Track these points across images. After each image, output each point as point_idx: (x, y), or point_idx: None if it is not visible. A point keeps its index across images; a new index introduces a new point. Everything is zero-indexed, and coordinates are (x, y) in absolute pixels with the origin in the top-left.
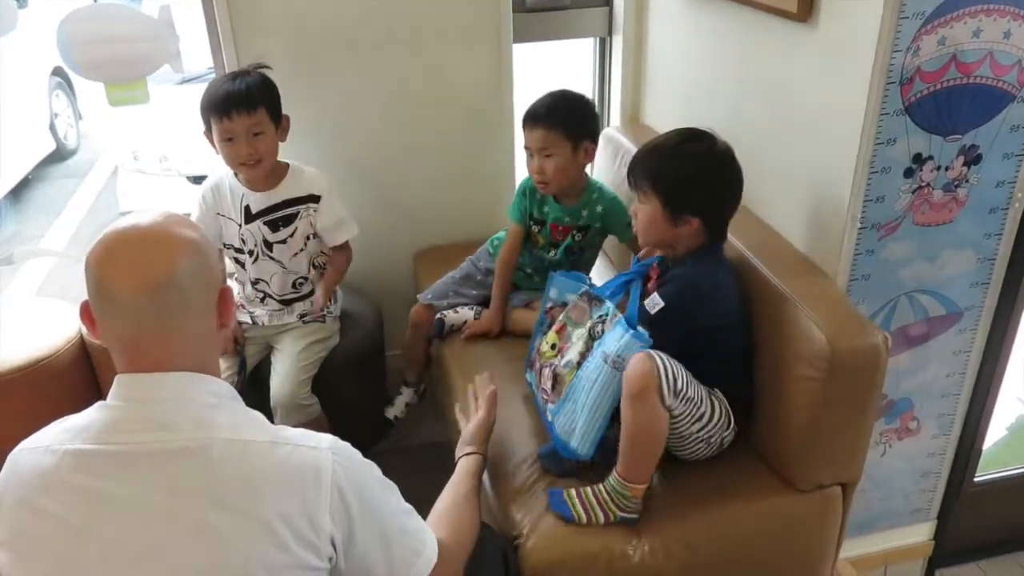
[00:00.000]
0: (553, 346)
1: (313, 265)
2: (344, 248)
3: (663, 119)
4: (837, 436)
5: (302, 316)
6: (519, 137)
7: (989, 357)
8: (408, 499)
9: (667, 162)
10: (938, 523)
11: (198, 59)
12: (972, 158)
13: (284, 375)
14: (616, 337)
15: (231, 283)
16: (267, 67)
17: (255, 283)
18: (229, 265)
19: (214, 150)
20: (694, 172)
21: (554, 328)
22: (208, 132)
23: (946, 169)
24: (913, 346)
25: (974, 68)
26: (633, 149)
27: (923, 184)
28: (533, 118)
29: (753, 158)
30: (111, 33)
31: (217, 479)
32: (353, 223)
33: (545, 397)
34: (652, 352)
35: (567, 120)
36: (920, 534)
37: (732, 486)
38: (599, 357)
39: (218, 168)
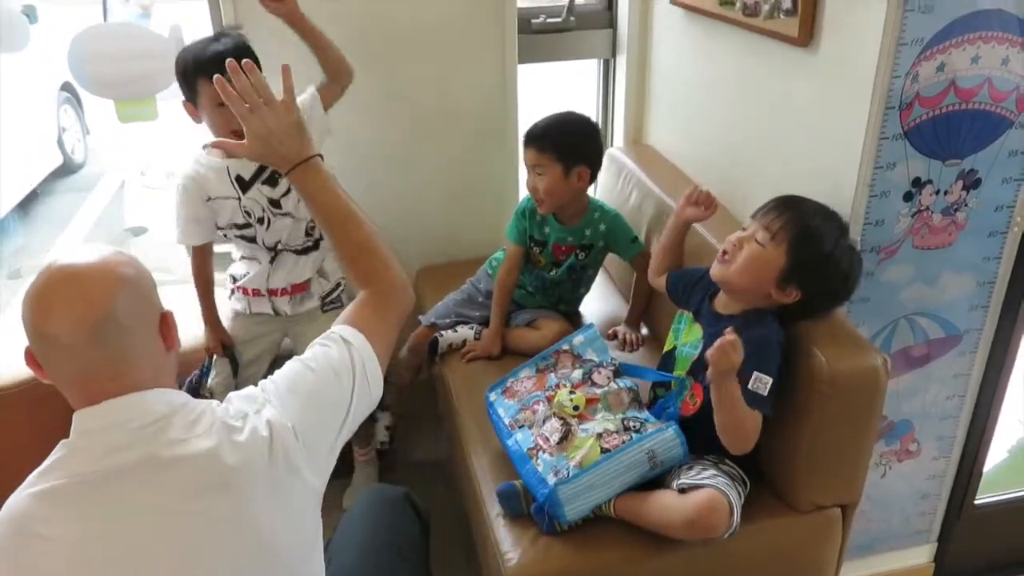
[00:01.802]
0: (576, 407)
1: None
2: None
3: (666, 140)
4: (837, 458)
5: (323, 299)
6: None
7: (989, 379)
8: None
9: (819, 231)
10: (938, 545)
11: None
12: (971, 182)
13: None
14: (666, 442)
15: (241, 265)
16: (240, 28)
17: (273, 248)
18: (235, 248)
19: (194, 120)
20: (834, 257)
21: (583, 391)
22: (189, 101)
23: (945, 193)
24: (913, 368)
25: (973, 94)
26: (636, 168)
27: (922, 208)
28: (529, 137)
29: (754, 180)
30: (122, 51)
31: (183, 476)
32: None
33: (542, 445)
34: (725, 491)
35: (560, 144)
36: (920, 556)
37: None
38: (643, 454)
39: (183, 161)
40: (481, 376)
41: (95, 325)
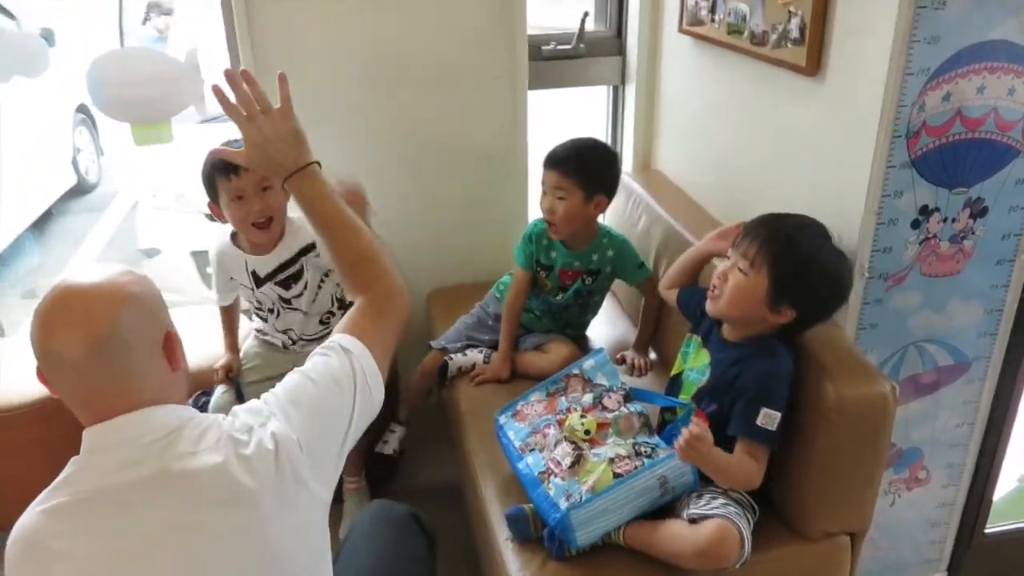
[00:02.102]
0: (587, 431)
1: (337, 301)
2: None
3: (675, 166)
4: (846, 484)
5: None
6: (532, 181)
7: (998, 407)
8: None
9: (794, 247)
10: (948, 574)
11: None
12: (978, 210)
13: None
14: (678, 468)
15: (257, 322)
16: None
17: (284, 332)
18: (257, 321)
19: (219, 222)
20: (816, 268)
21: (594, 416)
22: (213, 203)
23: (953, 221)
24: (922, 395)
25: (979, 123)
26: (644, 194)
27: (930, 235)
28: (553, 160)
29: (761, 207)
30: (139, 75)
31: (193, 489)
32: None
33: (553, 468)
34: (736, 521)
35: (584, 170)
36: None
37: None
38: (654, 479)
39: (215, 239)
40: (491, 399)
41: (96, 343)
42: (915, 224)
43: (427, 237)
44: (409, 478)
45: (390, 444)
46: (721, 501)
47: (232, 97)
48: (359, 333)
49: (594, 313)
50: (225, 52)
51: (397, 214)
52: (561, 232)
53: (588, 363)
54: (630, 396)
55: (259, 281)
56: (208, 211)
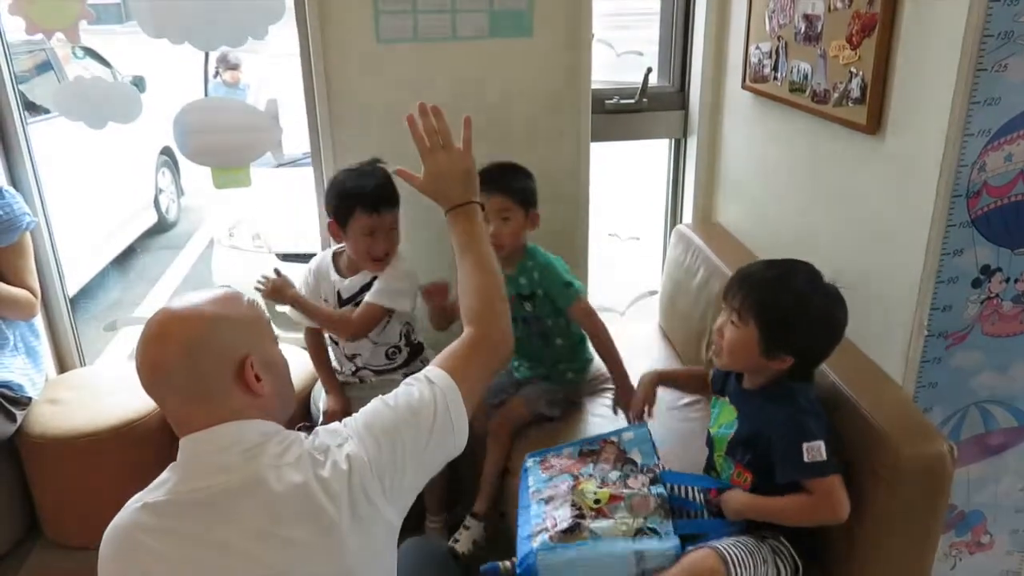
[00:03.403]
0: (597, 501)
1: (404, 336)
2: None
3: (735, 219)
4: (902, 545)
5: (405, 376)
6: (593, 230)
7: None
8: None
9: (777, 296)
10: None
11: (294, 143)
12: None
13: None
14: (662, 553)
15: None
16: (383, 162)
17: (351, 358)
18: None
19: (335, 240)
20: (801, 313)
21: (609, 488)
22: (336, 223)
23: (1015, 281)
24: (986, 457)
25: None
26: (704, 247)
27: (992, 295)
28: (495, 184)
29: (821, 263)
30: (223, 124)
31: (276, 502)
32: (404, 300)
33: (548, 527)
34: (723, 551)
35: (520, 188)
36: None
37: None
38: (631, 553)
39: (317, 256)
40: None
41: (174, 359)
42: (976, 283)
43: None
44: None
45: (462, 543)
46: (735, 540)
47: (421, 127)
48: (451, 369)
49: (568, 338)
50: (302, 103)
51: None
52: (505, 252)
53: (628, 435)
54: (658, 479)
55: (341, 302)
56: (328, 242)
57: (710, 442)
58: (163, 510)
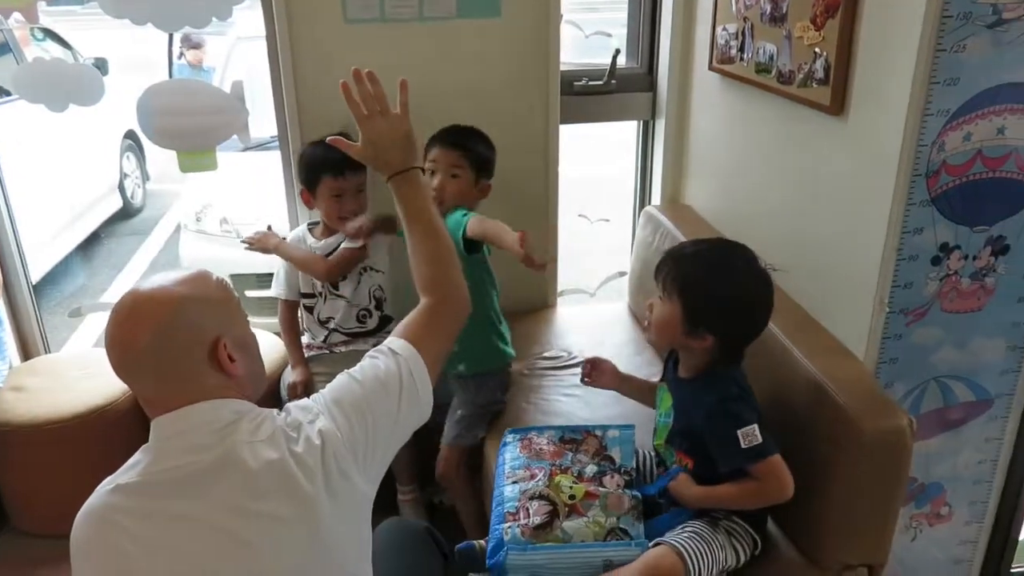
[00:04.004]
0: (572, 497)
1: (375, 300)
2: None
3: (703, 200)
4: (864, 516)
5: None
6: (563, 212)
7: (1021, 445)
8: None
9: (701, 274)
10: None
11: (261, 127)
12: (999, 248)
13: None
14: (630, 559)
15: (305, 336)
16: (351, 136)
17: (324, 322)
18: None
19: (307, 207)
20: (721, 290)
21: (585, 484)
22: (306, 191)
23: (973, 258)
24: (944, 431)
25: (999, 163)
26: (672, 228)
27: (951, 272)
28: (450, 139)
29: (786, 241)
30: (188, 106)
31: (251, 479)
32: (377, 249)
33: (521, 518)
34: (679, 547)
35: (479, 153)
36: None
37: (756, 564)
38: (600, 559)
39: (294, 230)
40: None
41: (148, 339)
42: (935, 261)
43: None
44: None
45: (446, 499)
46: (692, 532)
47: (356, 94)
48: (412, 338)
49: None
50: (269, 85)
51: None
52: (445, 209)
53: (613, 432)
54: (632, 483)
55: None
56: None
57: (655, 430)
58: (137, 491)
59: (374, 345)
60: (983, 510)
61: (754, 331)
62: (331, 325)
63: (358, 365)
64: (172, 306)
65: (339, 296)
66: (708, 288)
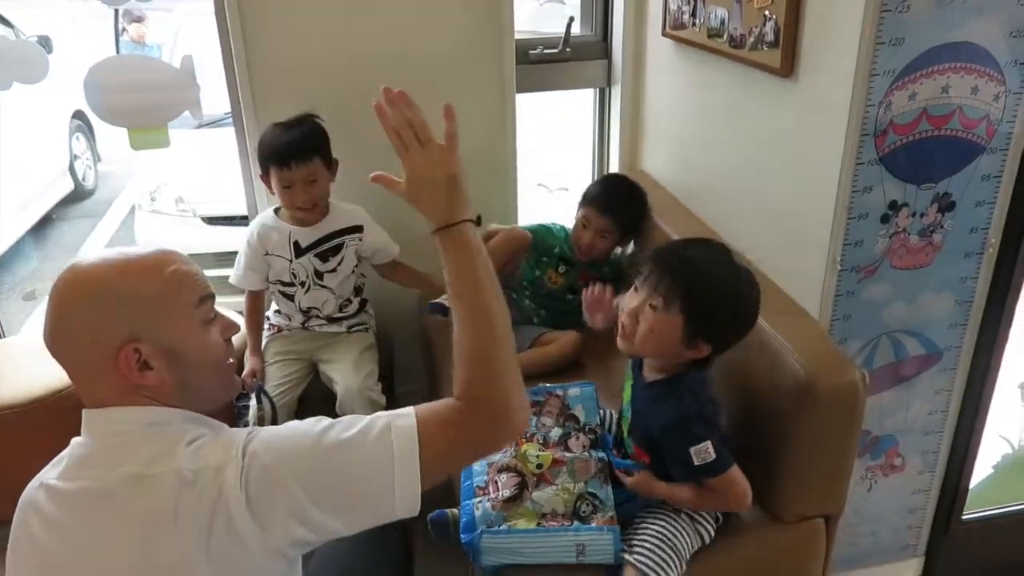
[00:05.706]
0: (540, 466)
1: (356, 289)
2: (396, 264)
3: (660, 166)
4: (820, 468)
5: (349, 328)
6: (522, 181)
7: (970, 396)
8: None
9: (706, 283)
10: (926, 560)
11: (214, 104)
12: (946, 205)
13: (349, 372)
14: (600, 543)
15: (275, 317)
16: (317, 117)
17: (306, 311)
18: (274, 303)
19: (268, 191)
20: (729, 303)
21: (551, 451)
22: (264, 176)
23: (921, 216)
24: (896, 384)
25: (944, 121)
26: None
27: (899, 229)
28: (606, 207)
29: (741, 202)
30: (136, 82)
31: (132, 518)
32: (393, 244)
33: (491, 492)
34: (639, 566)
35: (629, 219)
36: (909, 570)
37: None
38: (572, 545)
39: (259, 215)
40: None
41: (52, 327)
42: (884, 218)
43: (414, 239)
44: None
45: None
46: (654, 531)
47: (392, 119)
48: (423, 421)
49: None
50: (216, 56)
51: (385, 217)
52: (587, 259)
53: (574, 391)
54: (598, 442)
55: (300, 251)
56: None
57: (620, 411)
58: (53, 496)
59: (349, 328)
60: (935, 460)
61: (745, 333)
62: (312, 313)
63: (343, 420)
64: (84, 293)
65: (324, 287)
66: (716, 298)
